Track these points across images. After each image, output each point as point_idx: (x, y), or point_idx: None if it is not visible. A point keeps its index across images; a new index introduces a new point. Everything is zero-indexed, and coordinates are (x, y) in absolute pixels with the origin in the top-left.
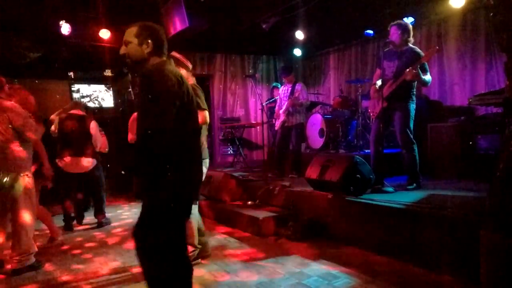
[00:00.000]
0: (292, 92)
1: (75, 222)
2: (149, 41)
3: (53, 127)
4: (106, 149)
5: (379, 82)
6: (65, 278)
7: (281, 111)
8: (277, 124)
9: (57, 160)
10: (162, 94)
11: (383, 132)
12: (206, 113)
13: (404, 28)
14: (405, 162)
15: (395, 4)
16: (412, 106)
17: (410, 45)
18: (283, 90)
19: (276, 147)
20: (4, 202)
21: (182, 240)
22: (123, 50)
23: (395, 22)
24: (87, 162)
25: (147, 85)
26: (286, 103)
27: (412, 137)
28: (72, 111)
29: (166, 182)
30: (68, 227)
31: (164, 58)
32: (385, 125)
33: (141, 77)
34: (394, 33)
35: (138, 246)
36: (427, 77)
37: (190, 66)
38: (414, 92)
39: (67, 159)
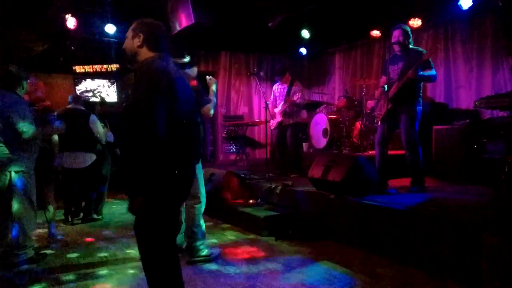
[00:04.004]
0: (288, 92)
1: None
2: (140, 35)
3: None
4: (111, 138)
5: (385, 86)
6: (65, 271)
7: (276, 110)
8: (273, 124)
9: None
10: (147, 91)
11: (388, 134)
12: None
13: (406, 32)
14: (409, 164)
15: (402, 5)
16: (419, 109)
17: (411, 46)
18: (278, 89)
19: (276, 147)
20: (3, 196)
21: (172, 233)
22: (124, 44)
23: (398, 26)
24: (87, 158)
25: (136, 80)
26: (282, 103)
27: (417, 139)
28: (70, 106)
29: (154, 179)
30: (68, 221)
31: (157, 53)
32: (391, 127)
33: (135, 72)
34: (399, 36)
35: (138, 239)
36: (429, 72)
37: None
38: (421, 95)
39: (66, 154)
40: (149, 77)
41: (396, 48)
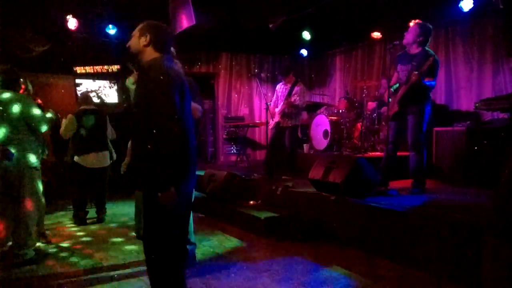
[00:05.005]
0: (290, 93)
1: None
2: (147, 35)
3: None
4: (114, 136)
5: (394, 86)
6: (65, 273)
7: (276, 110)
8: (271, 124)
9: (76, 156)
10: (160, 89)
11: (397, 135)
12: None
13: (422, 30)
14: (411, 164)
15: (403, 6)
16: (428, 109)
17: (426, 48)
18: (281, 89)
19: (269, 147)
20: (11, 193)
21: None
22: (129, 42)
23: (418, 21)
24: (107, 156)
25: (144, 78)
26: (282, 104)
27: (423, 140)
28: (87, 106)
29: (166, 175)
30: (81, 222)
31: (163, 54)
32: (399, 129)
33: (140, 71)
34: (410, 31)
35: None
36: (429, 82)
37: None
38: (430, 95)
39: (92, 155)
40: (164, 74)
41: (409, 46)
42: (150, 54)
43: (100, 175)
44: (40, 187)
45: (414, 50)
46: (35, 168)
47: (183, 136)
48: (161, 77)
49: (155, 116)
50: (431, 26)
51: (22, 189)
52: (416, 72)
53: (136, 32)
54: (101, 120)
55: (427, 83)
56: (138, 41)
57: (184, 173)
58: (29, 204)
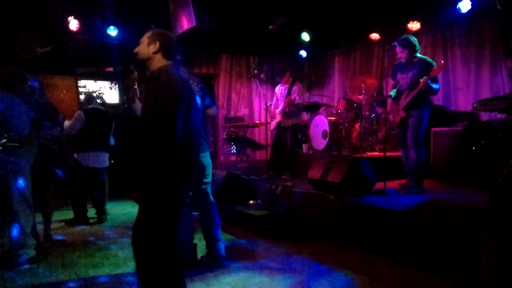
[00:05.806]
0: (289, 93)
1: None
2: (157, 42)
3: (66, 122)
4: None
5: (392, 93)
6: (65, 271)
7: (277, 111)
8: (273, 124)
9: (76, 154)
10: (170, 98)
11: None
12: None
13: (409, 46)
14: (410, 164)
15: (401, 8)
16: (427, 110)
17: (419, 55)
18: (280, 90)
19: (272, 148)
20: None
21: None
22: (136, 48)
23: (398, 41)
24: (107, 157)
25: (154, 85)
26: (282, 103)
27: (421, 139)
28: (96, 105)
29: (167, 179)
30: (83, 221)
31: (171, 62)
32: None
33: (148, 77)
34: (400, 53)
35: (136, 243)
36: (435, 85)
37: None
38: (431, 98)
39: (91, 154)
40: (172, 85)
41: (403, 60)
42: (159, 61)
43: (98, 175)
44: (28, 189)
45: (411, 60)
46: (18, 171)
47: (174, 146)
48: (171, 88)
49: (154, 125)
50: (409, 37)
51: (8, 192)
52: (422, 79)
53: (144, 39)
54: (109, 121)
55: (434, 86)
56: (147, 48)
57: (180, 179)
58: (18, 206)
